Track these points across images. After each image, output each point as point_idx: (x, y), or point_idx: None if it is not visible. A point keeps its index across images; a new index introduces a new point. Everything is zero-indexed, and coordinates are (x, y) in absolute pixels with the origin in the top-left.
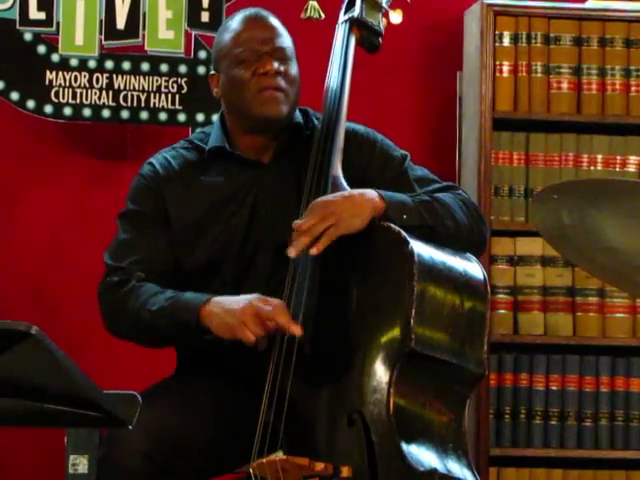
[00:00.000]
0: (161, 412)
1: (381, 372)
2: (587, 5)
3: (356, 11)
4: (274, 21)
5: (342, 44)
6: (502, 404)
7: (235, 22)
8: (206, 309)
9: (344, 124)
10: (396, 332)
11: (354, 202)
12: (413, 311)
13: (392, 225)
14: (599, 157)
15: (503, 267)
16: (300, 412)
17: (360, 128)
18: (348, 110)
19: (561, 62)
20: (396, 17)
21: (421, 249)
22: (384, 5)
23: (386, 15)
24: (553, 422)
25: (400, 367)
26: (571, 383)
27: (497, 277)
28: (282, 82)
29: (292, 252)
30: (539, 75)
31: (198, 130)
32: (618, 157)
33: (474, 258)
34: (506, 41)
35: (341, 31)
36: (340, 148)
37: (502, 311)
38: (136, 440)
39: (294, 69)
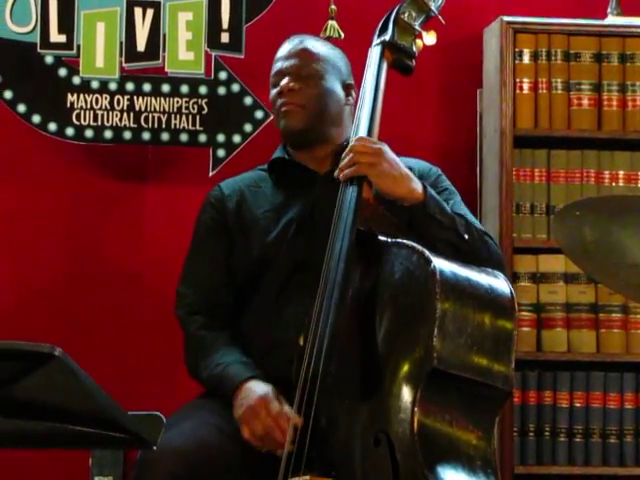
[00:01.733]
0: (191, 433)
1: (406, 391)
2: (607, 21)
3: (388, 34)
4: (302, 43)
5: (374, 67)
6: (526, 422)
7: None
8: (235, 396)
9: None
10: (419, 351)
11: (402, 172)
12: (435, 329)
13: (416, 245)
14: (621, 173)
15: (526, 284)
16: (328, 432)
17: (413, 164)
18: (380, 131)
19: (581, 79)
20: (430, 39)
21: (445, 267)
22: (417, 28)
23: (420, 37)
24: (578, 439)
25: (424, 386)
26: (595, 400)
27: (520, 294)
28: (298, 99)
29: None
30: (559, 92)
31: None
32: None
33: (501, 275)
34: (526, 58)
35: (374, 54)
36: None
37: (525, 328)
38: (166, 462)
39: (317, 87)
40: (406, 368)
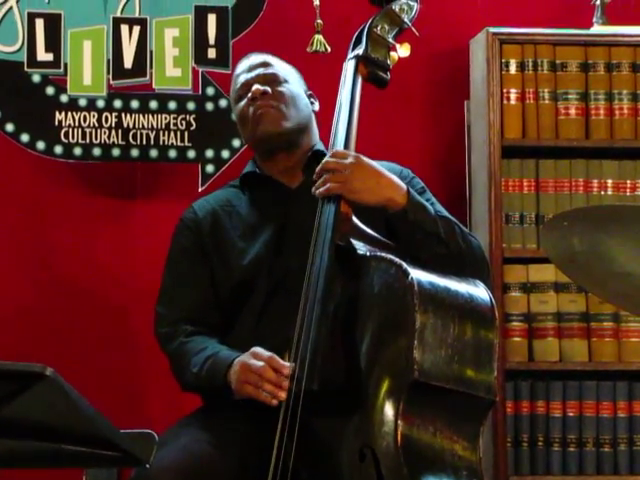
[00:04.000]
0: (184, 450)
1: (388, 405)
2: (593, 31)
3: (362, 48)
4: (264, 56)
5: (349, 82)
6: (520, 432)
7: (235, 69)
8: (228, 373)
9: None
10: (399, 364)
11: (378, 181)
12: (415, 342)
13: (394, 258)
14: (609, 182)
15: (516, 295)
16: (314, 448)
17: (390, 169)
18: (357, 145)
19: (568, 88)
20: (403, 51)
21: (423, 278)
22: (390, 40)
23: (394, 49)
24: (571, 449)
25: (406, 399)
26: (588, 409)
27: (511, 305)
28: (272, 101)
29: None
30: (547, 102)
31: None
32: (628, 181)
33: (481, 284)
34: (512, 69)
35: (348, 69)
36: None
37: (517, 339)
38: (163, 479)
39: (287, 89)
40: (388, 381)
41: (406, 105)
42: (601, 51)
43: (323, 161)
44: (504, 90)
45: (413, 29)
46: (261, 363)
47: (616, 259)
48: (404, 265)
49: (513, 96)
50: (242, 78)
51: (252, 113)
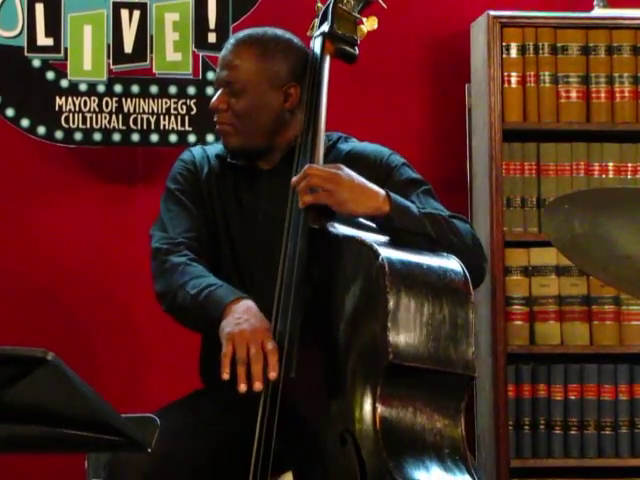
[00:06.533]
0: (164, 433)
1: (366, 388)
2: (593, 14)
3: (327, 25)
4: (236, 51)
5: (317, 60)
6: (521, 415)
7: None
8: (229, 308)
9: (322, 137)
10: (374, 346)
11: (363, 191)
12: (389, 324)
13: (365, 239)
14: (610, 165)
15: (518, 278)
16: (296, 435)
17: (370, 151)
18: (327, 121)
19: (569, 71)
20: (370, 25)
21: (394, 258)
22: (356, 15)
23: (360, 23)
24: (573, 432)
25: (383, 381)
26: (590, 392)
27: (512, 288)
28: (226, 117)
29: (293, 180)
30: (547, 85)
31: None
32: (629, 164)
33: (453, 257)
34: (513, 52)
35: (315, 47)
36: (319, 161)
37: (518, 322)
38: (137, 461)
39: (241, 103)
40: (364, 365)
41: (407, 88)
42: (602, 34)
43: (306, 170)
44: (505, 73)
45: (380, 1)
46: (255, 350)
47: (617, 242)
48: (374, 246)
49: (514, 79)
50: (217, 70)
51: (214, 122)
